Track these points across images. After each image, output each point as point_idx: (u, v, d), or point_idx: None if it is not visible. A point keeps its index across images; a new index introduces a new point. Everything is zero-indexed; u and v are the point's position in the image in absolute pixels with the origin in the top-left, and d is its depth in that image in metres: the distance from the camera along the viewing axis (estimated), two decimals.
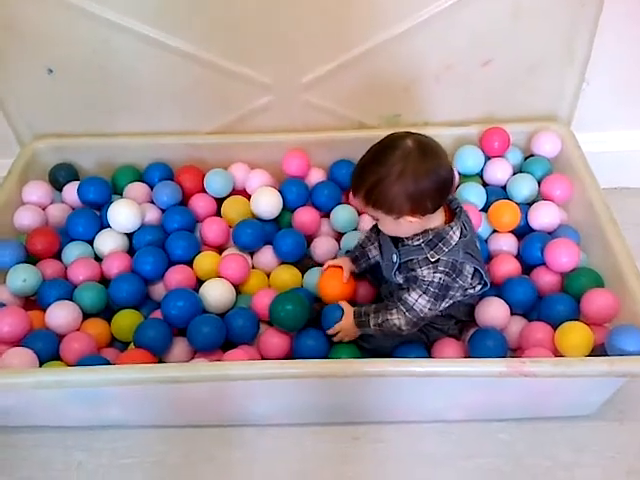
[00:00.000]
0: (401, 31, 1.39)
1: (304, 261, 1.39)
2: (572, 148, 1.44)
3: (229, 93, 1.48)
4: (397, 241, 1.10)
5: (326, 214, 1.47)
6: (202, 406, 1.18)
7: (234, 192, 1.50)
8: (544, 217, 1.33)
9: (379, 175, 0.99)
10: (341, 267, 1.23)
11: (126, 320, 1.24)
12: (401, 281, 1.12)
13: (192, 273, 1.33)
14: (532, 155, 1.49)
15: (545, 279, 1.26)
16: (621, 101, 1.57)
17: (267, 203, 1.42)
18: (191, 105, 1.51)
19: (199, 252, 1.37)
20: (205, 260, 1.35)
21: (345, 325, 1.16)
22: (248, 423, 1.20)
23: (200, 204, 1.47)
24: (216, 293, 1.27)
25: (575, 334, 1.10)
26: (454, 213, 1.09)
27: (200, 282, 1.31)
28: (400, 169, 0.98)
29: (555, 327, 1.14)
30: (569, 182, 1.39)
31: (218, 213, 1.47)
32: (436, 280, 1.06)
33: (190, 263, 1.35)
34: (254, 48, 1.41)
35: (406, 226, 1.03)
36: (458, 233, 1.08)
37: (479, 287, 1.15)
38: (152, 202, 1.47)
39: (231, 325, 1.21)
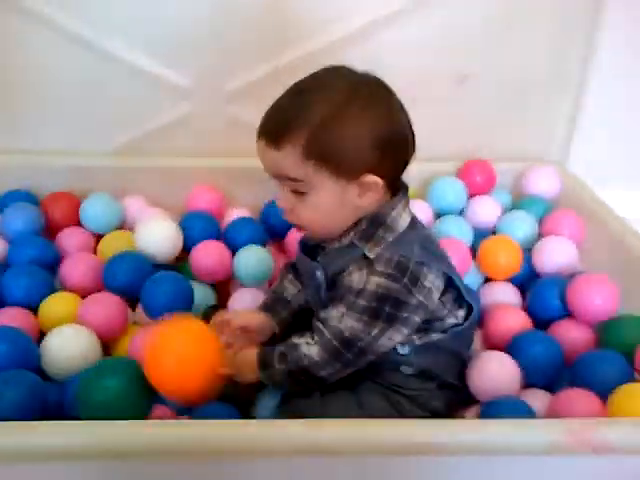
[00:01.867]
0: (354, 30, 1.09)
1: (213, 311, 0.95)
2: (576, 184, 1.12)
3: (133, 98, 1.11)
4: (315, 252, 0.73)
5: None
6: None
7: None
8: (556, 256, 0.95)
9: (334, 103, 0.64)
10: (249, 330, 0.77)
11: None
12: None
13: (34, 320, 0.86)
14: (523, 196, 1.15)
15: (571, 334, 0.85)
16: (621, 151, 1.29)
17: (158, 235, 0.98)
18: (82, 114, 1.12)
19: None
20: (57, 303, 0.88)
21: (241, 360, 0.70)
22: None
23: (72, 242, 1.02)
24: (68, 345, 0.79)
25: None
26: (395, 192, 0.71)
27: None
28: (366, 98, 0.65)
29: (602, 396, 0.72)
30: (579, 218, 1.03)
31: None
32: (371, 287, 0.65)
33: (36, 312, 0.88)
34: (168, 38, 1.07)
35: (351, 202, 0.67)
36: (407, 218, 0.70)
37: (462, 313, 0.74)
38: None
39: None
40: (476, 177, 1.12)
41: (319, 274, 0.71)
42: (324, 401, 0.71)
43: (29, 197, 1.08)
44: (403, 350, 0.71)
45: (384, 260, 0.66)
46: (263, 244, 1.03)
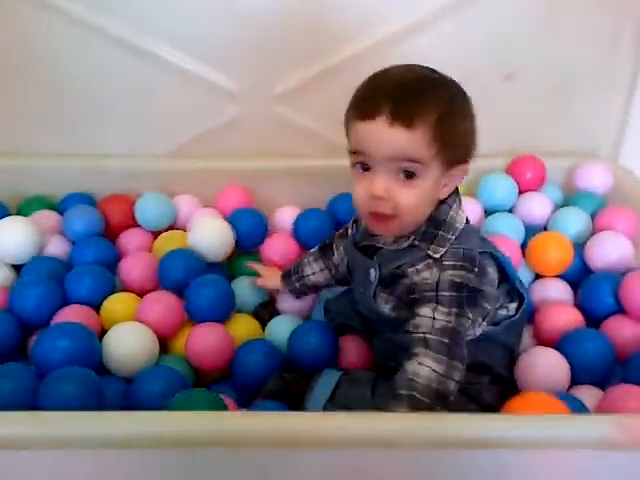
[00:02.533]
0: (398, 29, 1.10)
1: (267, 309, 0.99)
2: (629, 180, 1.10)
3: (184, 103, 1.15)
4: (367, 251, 0.75)
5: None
6: None
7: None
8: (610, 252, 0.94)
9: (452, 95, 0.68)
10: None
11: None
12: (389, 309, 0.73)
13: (96, 318, 0.90)
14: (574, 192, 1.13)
15: (624, 332, 0.84)
16: None
17: (210, 234, 1.01)
18: (134, 119, 1.16)
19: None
20: (117, 303, 0.92)
21: None
22: None
23: (132, 240, 1.07)
24: (127, 342, 0.83)
25: None
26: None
27: None
28: (466, 95, 0.69)
29: None
30: (634, 214, 1.01)
31: None
32: (445, 278, 0.67)
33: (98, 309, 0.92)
34: (217, 42, 1.10)
35: (438, 192, 0.69)
36: (463, 215, 0.72)
37: (514, 305, 0.75)
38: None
39: (139, 391, 0.76)
40: (526, 173, 1.11)
41: (372, 272, 0.73)
42: (376, 393, 0.73)
43: (87, 199, 1.13)
44: None
45: (450, 254, 0.68)
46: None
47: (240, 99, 1.14)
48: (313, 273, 0.89)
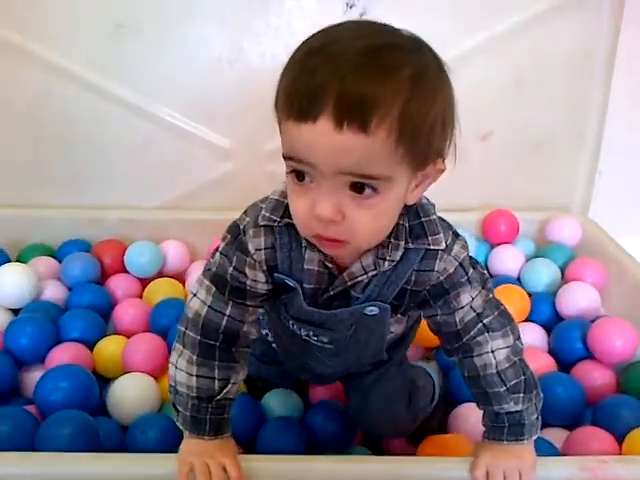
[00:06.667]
0: None
1: None
2: (597, 233, 1.17)
3: (179, 159, 1.22)
4: (331, 302, 0.60)
5: None
6: None
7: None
8: (579, 300, 1.00)
9: (422, 64, 0.48)
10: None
11: None
12: (402, 327, 0.68)
13: (90, 357, 0.94)
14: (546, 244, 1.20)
15: (593, 375, 0.89)
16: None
17: None
18: (133, 173, 1.23)
19: None
20: (109, 345, 0.95)
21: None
22: None
23: (120, 285, 1.11)
24: (131, 391, 0.85)
25: None
26: None
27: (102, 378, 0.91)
28: (440, 61, 0.50)
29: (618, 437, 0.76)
30: (602, 266, 1.08)
31: None
32: (459, 255, 0.59)
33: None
34: (211, 104, 1.18)
35: (404, 198, 0.52)
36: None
37: None
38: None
39: (134, 438, 0.79)
40: (500, 227, 1.18)
41: (373, 310, 0.59)
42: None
43: (84, 246, 1.17)
44: None
45: (448, 241, 0.58)
46: None
47: (233, 156, 1.21)
48: (241, 380, 0.63)
